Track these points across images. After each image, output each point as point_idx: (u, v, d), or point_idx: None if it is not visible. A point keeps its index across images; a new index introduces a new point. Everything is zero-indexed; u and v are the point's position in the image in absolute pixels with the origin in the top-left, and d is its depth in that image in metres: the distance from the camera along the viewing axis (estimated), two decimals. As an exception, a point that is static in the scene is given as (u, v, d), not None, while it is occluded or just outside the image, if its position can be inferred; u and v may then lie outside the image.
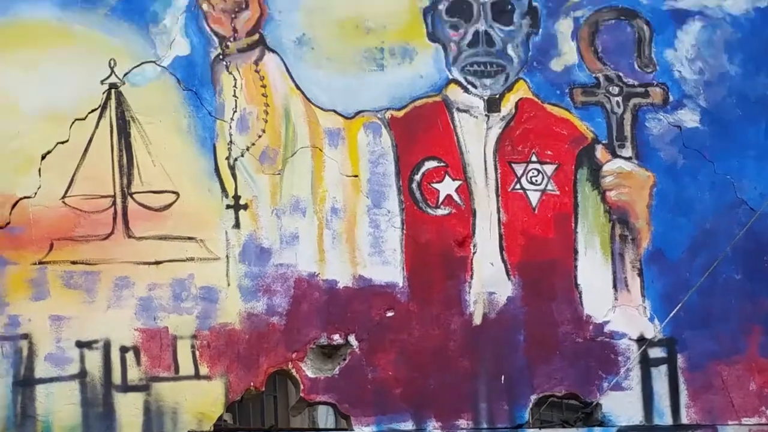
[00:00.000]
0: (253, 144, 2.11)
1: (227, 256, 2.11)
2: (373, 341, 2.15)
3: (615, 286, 2.19)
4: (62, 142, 2.06)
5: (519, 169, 2.18)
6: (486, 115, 2.18)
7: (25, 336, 2.00)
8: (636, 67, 2.19)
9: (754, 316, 2.23)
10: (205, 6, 2.09)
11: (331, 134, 2.15)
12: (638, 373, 2.17)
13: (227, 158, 2.10)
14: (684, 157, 2.21)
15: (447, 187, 2.17)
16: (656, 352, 2.19)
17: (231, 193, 2.11)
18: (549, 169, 2.19)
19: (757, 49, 2.21)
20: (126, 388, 2.02)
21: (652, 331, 2.18)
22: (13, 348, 2.00)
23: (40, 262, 2.04)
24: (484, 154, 2.18)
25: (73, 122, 2.06)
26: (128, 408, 2.01)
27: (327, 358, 2.11)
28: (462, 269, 2.17)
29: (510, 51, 2.18)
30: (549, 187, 2.19)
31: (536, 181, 2.18)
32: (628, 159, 2.20)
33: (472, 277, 2.16)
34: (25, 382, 1.98)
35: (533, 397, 2.16)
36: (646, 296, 2.20)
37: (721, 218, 2.22)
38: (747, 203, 2.21)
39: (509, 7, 2.17)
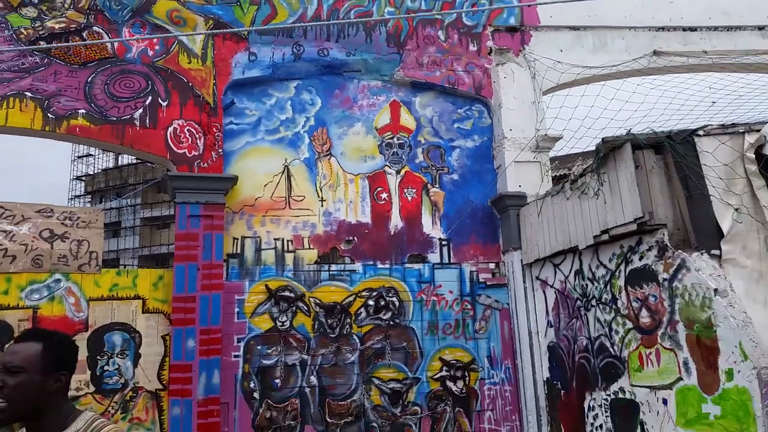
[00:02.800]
0: (328, 184, 7.19)
1: (318, 215, 7.12)
2: (360, 239, 7.14)
3: (432, 225, 7.28)
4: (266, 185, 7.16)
5: (405, 190, 7.32)
6: (396, 174, 7.32)
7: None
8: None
9: (474, 233, 7.34)
10: (315, 142, 7.23)
11: (351, 180, 7.24)
12: (438, 249, 7.23)
13: (319, 188, 7.18)
14: (454, 187, 7.39)
15: (384, 195, 7.27)
16: (445, 243, 7.25)
17: (320, 197, 7.13)
18: (410, 192, 7.33)
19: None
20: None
21: (444, 236, 7.28)
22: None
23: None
24: (396, 185, 7.30)
25: (269, 181, 7.14)
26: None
27: (348, 243, 7.06)
28: (387, 220, 7.22)
29: (402, 156, 7.36)
30: (414, 195, 7.32)
31: (409, 195, 7.31)
32: (438, 188, 7.37)
33: (390, 223, 7.22)
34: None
35: (407, 255, 7.14)
36: (442, 227, 7.30)
37: (465, 206, 7.36)
38: (473, 201, 7.37)
39: (407, 146, 7.39)
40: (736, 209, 4.78)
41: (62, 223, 6.00)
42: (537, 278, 6.90)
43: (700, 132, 4.99)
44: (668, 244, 4.87)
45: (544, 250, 6.57)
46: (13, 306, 5.65)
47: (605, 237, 5.48)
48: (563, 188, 6.18)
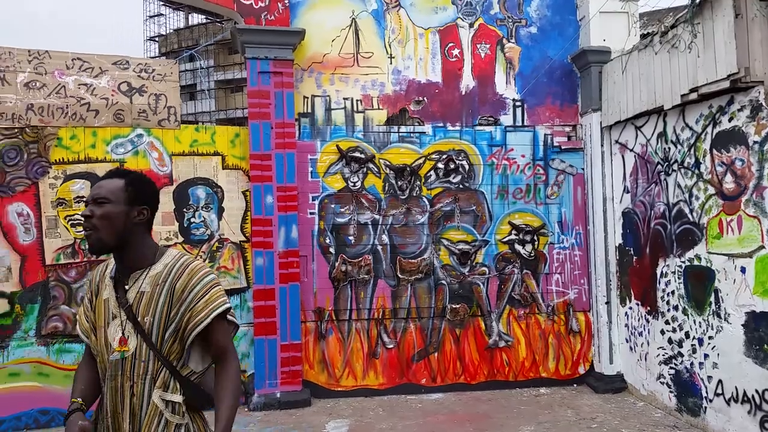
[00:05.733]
0: (397, 39, 6.91)
1: (387, 74, 6.89)
2: (430, 100, 6.88)
3: (506, 84, 6.95)
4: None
5: (478, 46, 6.93)
6: (469, 27, 6.90)
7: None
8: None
9: (550, 94, 6.98)
10: None
11: (421, 35, 6.88)
12: (512, 110, 6.99)
13: (388, 43, 6.92)
14: (532, 42, 6.95)
15: (456, 51, 6.92)
16: (519, 104, 7.00)
17: (389, 54, 6.82)
18: (483, 48, 6.93)
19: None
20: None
21: (518, 96, 6.98)
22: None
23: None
24: (469, 40, 6.90)
25: (336, 36, 6.92)
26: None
27: (418, 104, 6.83)
28: (458, 79, 6.93)
29: (476, 6, 6.90)
30: (488, 51, 6.95)
31: (483, 51, 6.93)
32: (514, 42, 6.94)
33: (461, 82, 6.89)
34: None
35: (479, 117, 6.90)
36: (517, 87, 6.99)
37: (542, 63, 6.93)
38: (552, 57, 6.93)
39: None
40: None
41: (139, 76, 6.15)
42: (616, 142, 6.63)
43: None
44: (763, 104, 4.51)
45: (626, 111, 6.25)
46: (101, 159, 6.00)
47: (694, 96, 5.13)
48: (652, 42, 5.72)
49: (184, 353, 2.14)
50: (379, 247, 6.60)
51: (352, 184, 6.59)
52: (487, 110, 6.87)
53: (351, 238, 6.56)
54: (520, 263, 6.79)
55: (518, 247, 6.79)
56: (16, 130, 5.78)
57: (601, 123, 6.72)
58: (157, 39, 36.00)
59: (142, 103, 6.13)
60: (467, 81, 6.86)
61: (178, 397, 2.11)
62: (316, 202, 6.51)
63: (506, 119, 6.87)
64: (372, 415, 5.85)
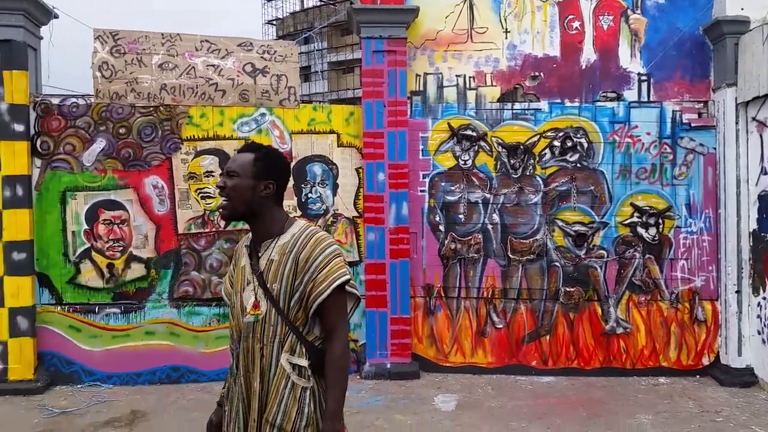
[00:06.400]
0: (513, 12, 6.71)
1: (501, 49, 6.74)
2: (547, 75, 6.64)
3: (631, 57, 6.54)
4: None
5: (600, 18, 6.58)
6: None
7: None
8: None
9: (679, 67, 6.50)
10: None
11: (538, 8, 6.63)
12: (636, 85, 6.58)
13: (504, 17, 6.74)
14: (659, 12, 6.49)
15: (576, 24, 6.61)
16: (644, 78, 6.57)
17: (504, 28, 6.69)
18: (606, 19, 6.56)
19: None
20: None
21: (644, 70, 6.56)
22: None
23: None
24: (590, 11, 6.57)
25: (450, 12, 6.82)
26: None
27: (534, 79, 6.60)
28: (578, 53, 6.59)
29: None
30: (611, 23, 6.57)
31: (605, 23, 6.58)
32: (640, 13, 6.51)
33: (581, 56, 6.60)
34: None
35: (600, 92, 6.54)
36: (642, 60, 6.56)
37: (670, 34, 6.46)
38: (681, 29, 6.44)
39: None
40: None
41: (261, 57, 6.43)
42: (753, 119, 6.10)
43: None
44: None
45: (765, 86, 5.72)
46: (228, 137, 6.37)
47: None
48: (803, 8, 5.16)
49: (308, 320, 2.23)
50: (490, 226, 6.52)
51: (462, 162, 6.54)
52: (609, 85, 6.53)
53: (461, 216, 6.53)
54: (643, 247, 6.44)
55: (641, 230, 6.45)
56: (151, 109, 6.26)
57: (736, 99, 6.18)
58: (274, 23, 37.44)
59: (265, 83, 6.41)
60: (588, 54, 6.55)
61: (304, 362, 2.20)
62: (427, 180, 6.53)
63: (630, 95, 6.50)
64: (480, 392, 5.86)
